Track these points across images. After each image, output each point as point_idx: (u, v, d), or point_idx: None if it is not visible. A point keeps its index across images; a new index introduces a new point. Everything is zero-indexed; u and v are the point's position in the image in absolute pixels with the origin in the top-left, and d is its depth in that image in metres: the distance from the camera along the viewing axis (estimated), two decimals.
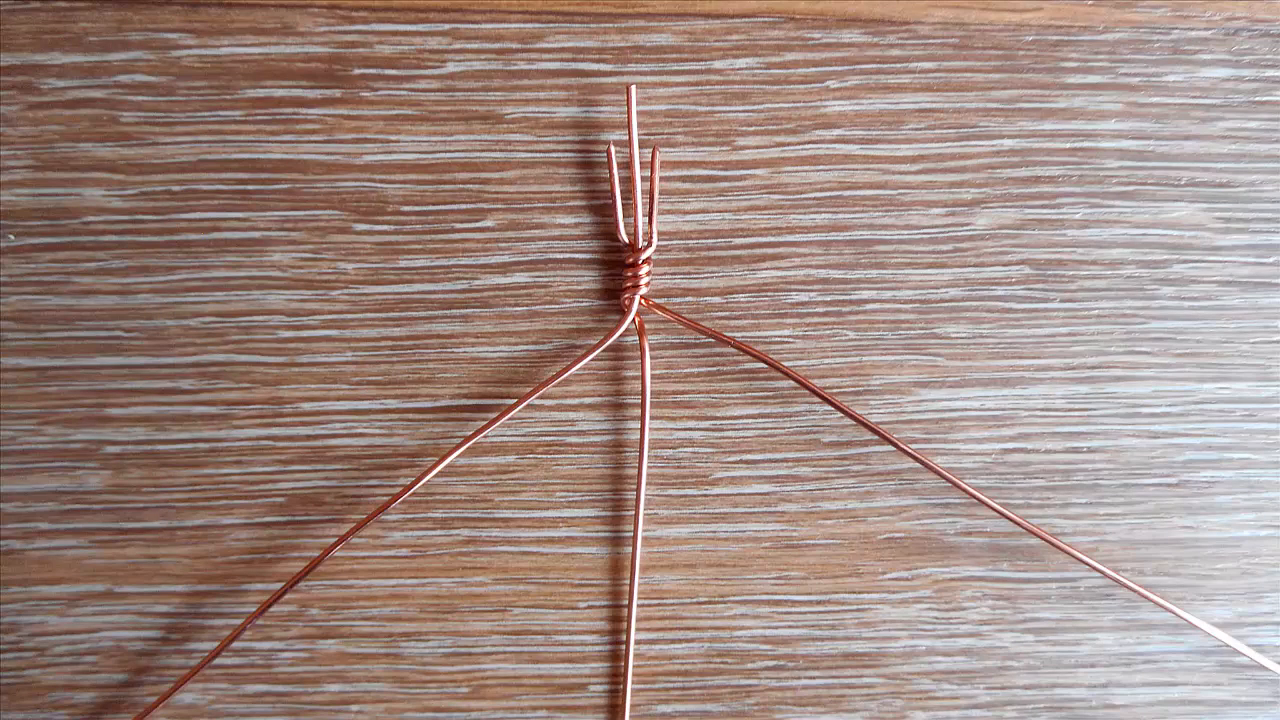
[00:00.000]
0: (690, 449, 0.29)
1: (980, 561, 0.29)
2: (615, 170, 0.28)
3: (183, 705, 0.29)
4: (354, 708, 0.29)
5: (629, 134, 0.27)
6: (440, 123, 0.28)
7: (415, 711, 0.29)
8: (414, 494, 0.28)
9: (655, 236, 0.28)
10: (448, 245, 0.29)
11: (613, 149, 0.27)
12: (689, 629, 0.29)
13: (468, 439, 0.27)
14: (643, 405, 0.28)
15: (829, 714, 0.30)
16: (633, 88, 0.27)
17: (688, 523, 0.29)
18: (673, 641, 0.29)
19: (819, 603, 0.29)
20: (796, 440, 0.29)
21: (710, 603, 0.29)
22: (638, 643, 0.29)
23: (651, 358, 0.29)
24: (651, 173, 0.28)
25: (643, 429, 0.28)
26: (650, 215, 0.28)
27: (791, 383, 0.29)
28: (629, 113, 0.27)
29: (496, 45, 0.28)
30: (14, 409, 0.29)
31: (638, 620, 0.29)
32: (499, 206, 0.29)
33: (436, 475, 0.28)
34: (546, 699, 0.29)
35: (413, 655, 0.29)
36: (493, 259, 0.29)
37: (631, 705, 0.29)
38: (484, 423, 0.28)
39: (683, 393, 0.29)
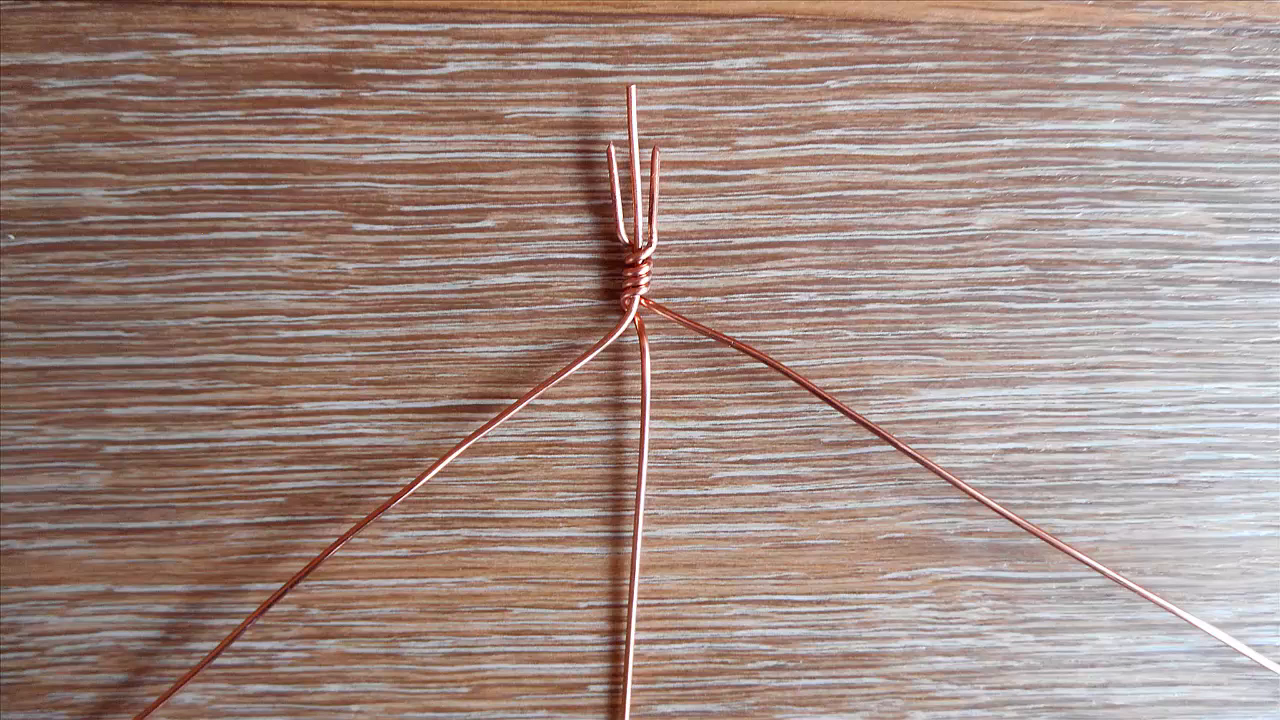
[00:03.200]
0: (690, 449, 0.29)
1: (980, 561, 0.29)
2: (615, 170, 0.27)
3: (183, 705, 0.29)
4: (354, 708, 0.29)
5: (629, 134, 0.27)
6: (440, 123, 0.28)
7: (415, 711, 0.29)
8: (414, 494, 0.28)
9: (655, 236, 0.28)
10: (448, 245, 0.29)
11: (613, 149, 0.27)
12: (689, 629, 0.29)
13: (468, 439, 0.27)
14: (643, 405, 0.28)
15: (829, 714, 0.29)
16: (633, 88, 0.27)
17: (688, 523, 0.29)
18: (673, 641, 0.29)
19: (819, 603, 0.29)
20: (796, 440, 0.29)
21: (710, 603, 0.29)
22: (638, 643, 0.29)
23: (651, 358, 0.28)
24: (652, 173, 0.28)
25: (643, 429, 0.28)
26: (650, 215, 0.28)
27: (791, 383, 0.29)
28: (629, 113, 0.27)
29: (496, 45, 0.28)
30: (14, 409, 0.28)
31: (638, 620, 0.29)
32: (499, 206, 0.29)
33: (436, 475, 0.27)
34: (546, 699, 0.29)
35: (413, 655, 0.29)
36: (493, 259, 0.29)
37: (631, 705, 0.29)
38: (484, 423, 0.28)
39: (683, 393, 0.29)
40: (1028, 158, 0.29)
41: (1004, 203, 0.29)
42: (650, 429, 0.29)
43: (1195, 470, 0.29)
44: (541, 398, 0.29)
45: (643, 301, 0.28)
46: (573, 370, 0.28)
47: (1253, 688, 0.30)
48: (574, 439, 0.29)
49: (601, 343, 0.27)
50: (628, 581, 0.29)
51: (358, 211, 0.28)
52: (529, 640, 0.29)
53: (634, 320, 0.28)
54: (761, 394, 0.29)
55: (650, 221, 0.28)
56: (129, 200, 0.28)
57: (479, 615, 0.29)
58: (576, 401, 0.29)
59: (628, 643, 0.29)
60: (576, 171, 0.29)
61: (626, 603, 0.29)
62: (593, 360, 0.28)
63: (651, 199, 0.28)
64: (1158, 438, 0.29)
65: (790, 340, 0.29)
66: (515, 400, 0.28)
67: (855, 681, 0.29)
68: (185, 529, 0.29)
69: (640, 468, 0.28)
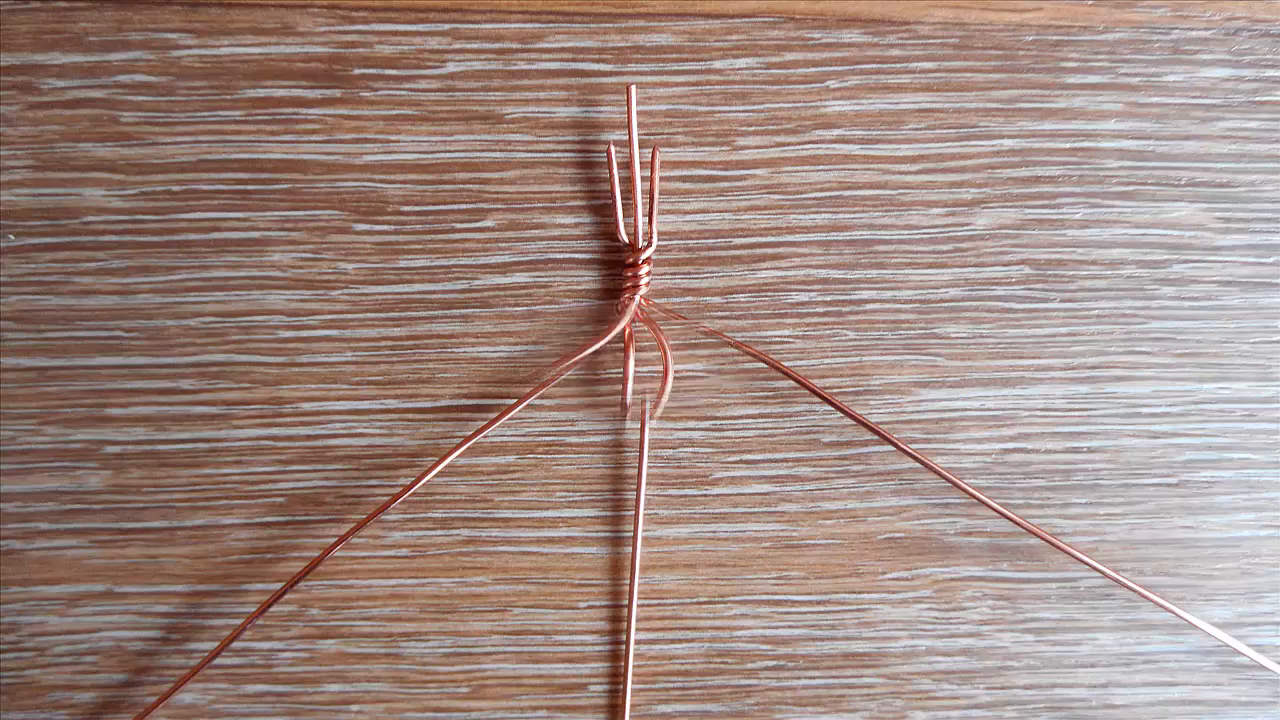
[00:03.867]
0: (690, 449, 0.29)
1: (980, 561, 0.29)
2: (615, 170, 0.27)
3: (183, 705, 0.29)
4: (354, 708, 0.29)
5: (629, 134, 0.27)
6: (440, 123, 0.28)
7: (415, 711, 0.29)
8: (414, 494, 0.27)
9: (656, 236, 0.28)
10: (448, 245, 0.28)
11: (613, 149, 0.27)
12: (689, 629, 0.29)
13: (468, 439, 0.27)
14: (642, 405, 0.28)
15: (829, 714, 0.29)
16: (633, 88, 0.27)
17: (688, 523, 0.29)
18: (673, 641, 0.29)
19: (819, 603, 0.29)
20: (796, 440, 0.29)
21: (710, 603, 0.29)
22: (638, 643, 0.29)
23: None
24: (652, 173, 0.28)
25: (642, 429, 0.28)
26: (650, 215, 0.28)
27: (791, 383, 0.28)
28: (629, 113, 0.27)
29: (496, 45, 0.28)
30: (14, 409, 0.28)
31: (638, 620, 0.29)
32: (499, 206, 0.28)
33: (436, 475, 0.27)
34: (546, 699, 0.29)
35: (413, 655, 0.29)
36: (493, 259, 0.29)
37: (631, 705, 0.29)
38: (484, 422, 0.28)
39: (683, 392, 0.29)
40: (1028, 158, 0.29)
41: (1004, 203, 0.29)
42: (650, 429, 0.28)
43: (1195, 470, 0.29)
44: (541, 397, 0.29)
45: (643, 301, 0.28)
46: (572, 369, 0.27)
47: (1253, 688, 0.30)
48: (574, 439, 0.29)
49: (594, 341, 0.27)
50: (628, 581, 0.29)
51: (358, 211, 0.28)
52: (529, 640, 0.29)
53: (632, 321, 0.28)
54: (761, 394, 0.29)
55: (650, 221, 0.27)
56: (129, 200, 0.28)
57: (479, 615, 0.29)
58: (577, 401, 0.29)
59: (628, 642, 0.29)
60: (576, 171, 0.28)
61: (627, 602, 0.29)
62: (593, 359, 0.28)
63: (651, 199, 0.28)
64: (1158, 438, 0.29)
65: (790, 340, 0.29)
66: (515, 400, 0.28)
67: (855, 681, 0.29)
68: (185, 529, 0.29)
69: (640, 467, 0.28)
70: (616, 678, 0.29)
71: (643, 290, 0.27)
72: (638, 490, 0.28)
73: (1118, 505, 0.29)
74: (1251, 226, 0.29)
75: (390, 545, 0.29)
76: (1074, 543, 0.29)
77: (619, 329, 0.27)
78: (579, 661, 0.29)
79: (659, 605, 0.29)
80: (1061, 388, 0.29)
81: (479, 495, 0.29)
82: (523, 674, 0.29)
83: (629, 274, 0.27)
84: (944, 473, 0.27)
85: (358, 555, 0.29)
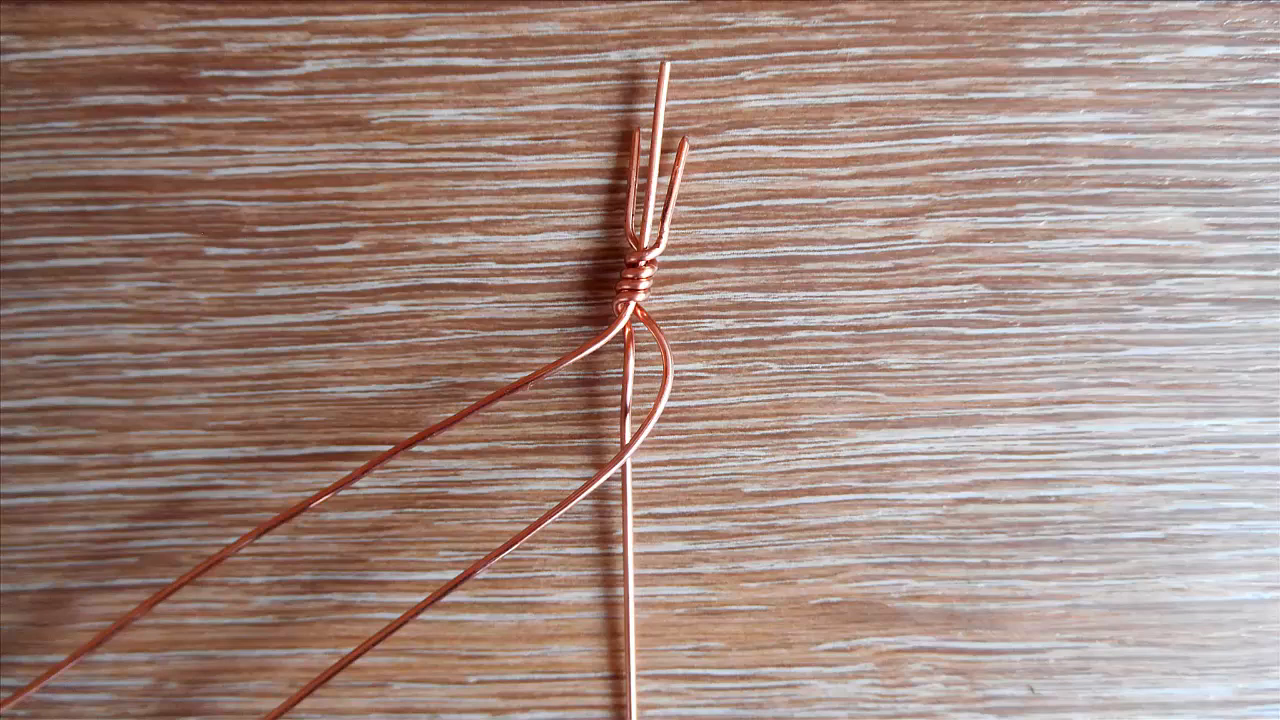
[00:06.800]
0: (589, 500, 0.27)
1: (930, 630, 0.26)
2: (637, 160, 0.25)
3: None
4: None
5: (654, 125, 0.24)
6: (299, 130, 0.26)
7: None
8: (281, 553, 0.26)
9: (666, 238, 0.25)
10: (310, 270, 0.26)
11: (639, 135, 0.25)
12: (591, 707, 0.27)
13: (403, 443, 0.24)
14: (621, 424, 0.25)
15: None
16: (666, 63, 0.24)
17: (588, 586, 0.27)
18: None
19: (743, 678, 0.27)
20: (713, 490, 0.26)
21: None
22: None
23: (542, 399, 0.26)
24: (675, 166, 0.25)
25: (622, 435, 0.25)
26: (664, 215, 0.25)
27: (706, 422, 0.26)
28: (658, 97, 0.24)
29: (360, 40, 0.26)
30: None
31: (531, 698, 0.26)
32: (367, 225, 0.26)
33: (303, 531, 0.25)
34: None
35: None
36: (361, 285, 0.26)
37: None
38: (354, 470, 0.25)
39: (579, 436, 0.27)
40: (980, 157, 0.26)
41: (953, 211, 0.26)
42: (542, 477, 0.26)
43: (1185, 522, 0.26)
44: (426, 443, 0.26)
45: (637, 311, 0.25)
46: (549, 374, 0.25)
47: None
48: (458, 490, 0.27)
49: (595, 341, 0.24)
50: (530, 652, 0.26)
51: (209, 234, 0.26)
52: None
53: (625, 327, 0.25)
54: (672, 437, 0.26)
55: (662, 221, 0.25)
56: None
57: (355, 691, 0.27)
58: (460, 448, 0.26)
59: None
60: (455, 184, 0.26)
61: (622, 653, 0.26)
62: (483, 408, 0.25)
63: (669, 196, 0.25)
64: (1140, 484, 0.26)
65: (704, 375, 0.26)
66: (421, 431, 0.25)
67: None
68: (28, 593, 0.27)
69: (625, 494, 0.26)
70: None
71: (640, 295, 0.25)
72: (624, 514, 0.26)
73: (1093, 564, 0.26)
74: (1250, 234, 0.26)
75: (255, 611, 0.27)
76: (1042, 608, 0.26)
77: (618, 329, 0.25)
78: None
79: (556, 680, 0.27)
80: (1024, 427, 0.26)
81: (352, 555, 0.27)
82: None
83: (629, 274, 0.25)
84: None
85: (219, 623, 0.27)
